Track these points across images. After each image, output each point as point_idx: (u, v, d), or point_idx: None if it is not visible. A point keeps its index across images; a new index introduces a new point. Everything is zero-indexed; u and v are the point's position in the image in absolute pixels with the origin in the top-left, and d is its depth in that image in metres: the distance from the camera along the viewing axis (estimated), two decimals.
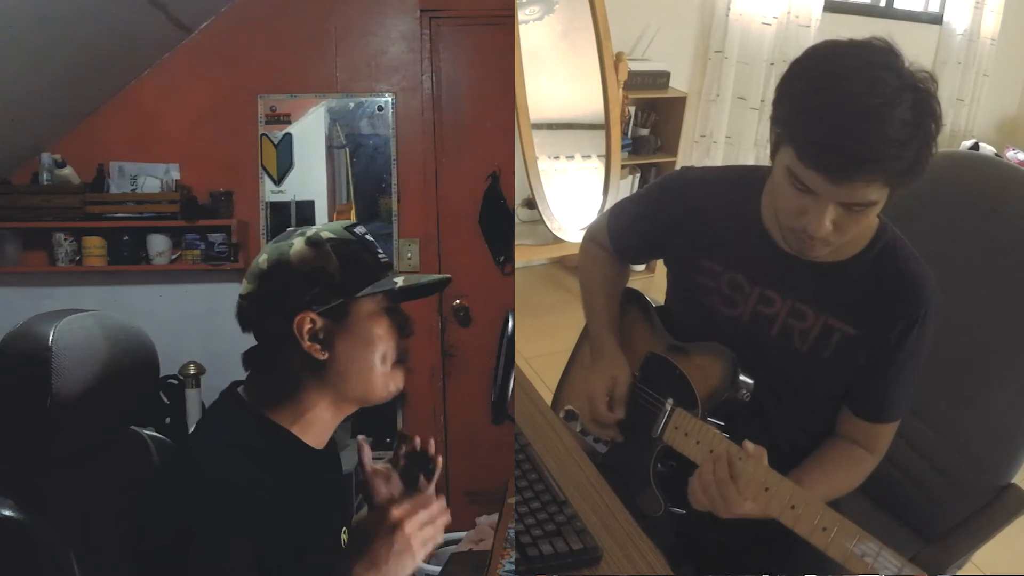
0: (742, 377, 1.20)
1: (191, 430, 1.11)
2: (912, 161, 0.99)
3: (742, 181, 1.25)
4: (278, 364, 1.00)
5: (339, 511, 1.13)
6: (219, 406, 1.03)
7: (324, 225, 1.04)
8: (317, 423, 1.02)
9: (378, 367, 1.01)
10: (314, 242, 1.00)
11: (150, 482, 0.97)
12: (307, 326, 0.97)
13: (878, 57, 1.01)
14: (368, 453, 1.12)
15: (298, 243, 1.00)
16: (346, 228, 1.03)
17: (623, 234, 1.43)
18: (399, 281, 1.03)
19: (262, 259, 1.01)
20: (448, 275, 1.13)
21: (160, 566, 0.87)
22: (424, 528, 0.97)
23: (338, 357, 0.99)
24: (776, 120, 1.07)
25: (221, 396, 1.04)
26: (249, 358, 1.04)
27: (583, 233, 1.54)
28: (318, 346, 0.98)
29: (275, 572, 0.89)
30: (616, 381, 1.31)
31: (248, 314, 1.02)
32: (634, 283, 1.50)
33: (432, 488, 1.08)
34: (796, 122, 1.03)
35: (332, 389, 1.01)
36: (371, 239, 1.05)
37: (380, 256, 1.04)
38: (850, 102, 0.98)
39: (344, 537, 1.10)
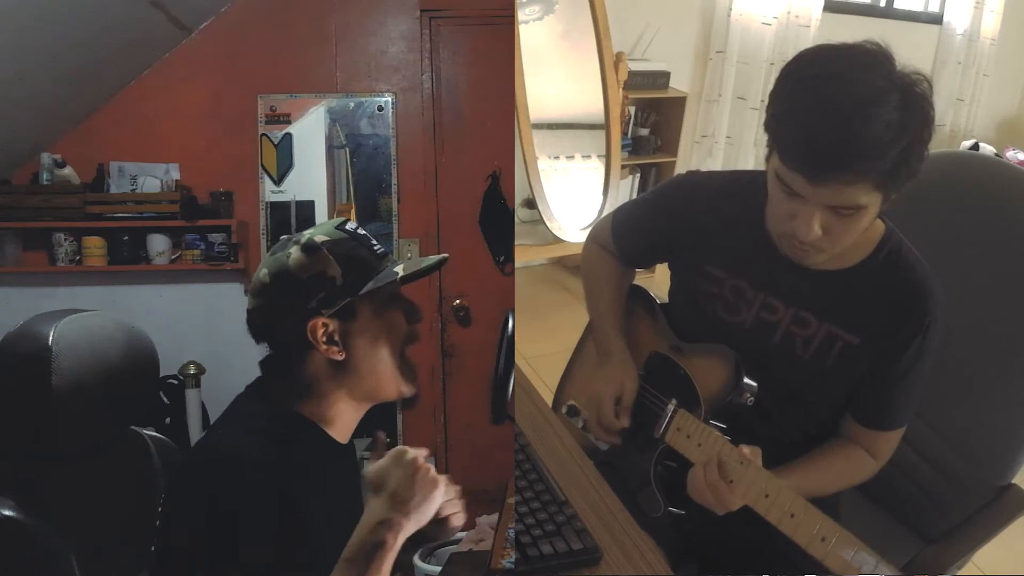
0: (746, 380, 1.19)
1: (193, 430, 1.12)
2: (897, 163, 0.97)
3: (747, 187, 1.23)
4: (297, 369, 1.02)
5: (358, 503, 1.13)
6: (241, 399, 1.04)
7: (316, 228, 1.05)
8: (340, 418, 1.05)
9: (389, 361, 1.04)
10: (310, 248, 1.01)
11: (176, 471, 0.98)
12: (320, 330, 0.99)
13: (865, 58, 1.00)
14: None
15: (295, 252, 1.01)
16: (337, 227, 1.05)
17: (627, 238, 1.43)
18: (399, 271, 1.04)
19: (263, 273, 1.03)
20: (446, 254, 1.14)
21: (187, 554, 0.88)
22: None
23: (354, 354, 1.01)
24: (765, 124, 1.07)
25: (244, 392, 1.05)
26: (268, 365, 1.05)
27: (585, 236, 1.53)
28: (335, 347, 1.00)
29: (300, 547, 0.90)
30: (624, 388, 1.30)
31: (259, 327, 1.03)
32: (635, 282, 1.49)
33: None
34: (778, 124, 1.03)
35: (350, 385, 1.03)
36: (364, 233, 1.06)
37: (376, 248, 1.05)
38: (829, 102, 0.97)
39: None
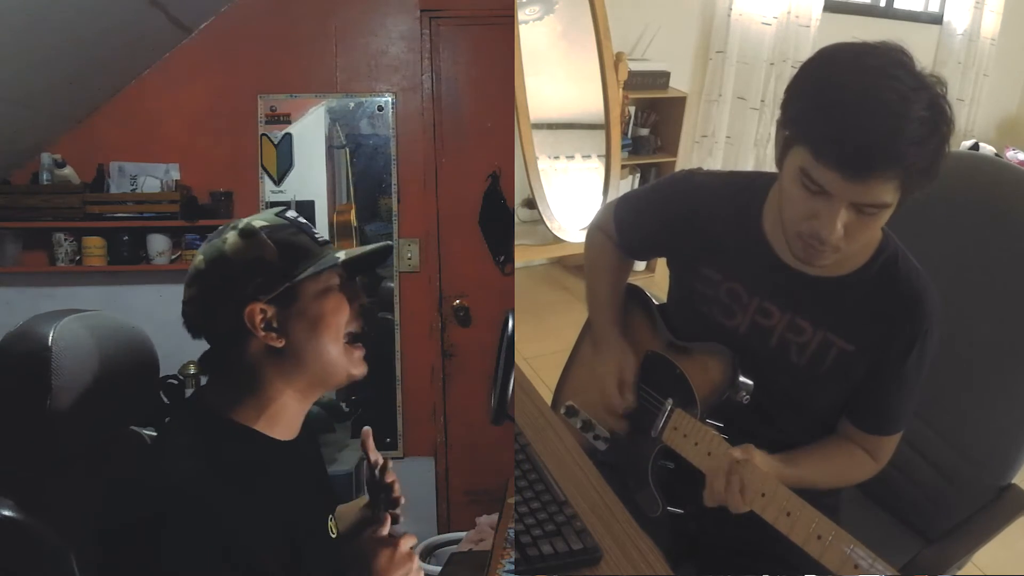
0: (741, 378, 1.19)
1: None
2: (929, 161, 0.98)
3: (746, 189, 1.23)
4: (235, 361, 0.99)
5: (320, 499, 1.12)
6: (180, 412, 1.02)
7: (256, 215, 1.03)
8: (284, 414, 1.01)
9: (332, 345, 1.01)
10: (247, 232, 0.99)
11: (113, 484, 0.95)
12: (258, 316, 0.96)
13: (893, 57, 1.00)
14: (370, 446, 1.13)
15: (231, 236, 0.99)
16: (277, 214, 1.03)
17: (629, 228, 1.42)
18: (341, 256, 1.02)
19: (198, 260, 1.01)
20: (390, 243, 1.11)
21: (125, 564, 0.87)
22: None
23: (294, 341, 0.98)
24: (787, 121, 1.04)
25: (184, 402, 1.04)
26: (206, 362, 1.03)
27: (588, 225, 1.53)
28: (273, 334, 0.97)
29: (250, 568, 0.88)
30: (623, 369, 1.31)
31: (195, 318, 1.01)
32: (634, 281, 1.49)
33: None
34: (812, 120, 1.01)
35: (293, 375, 1.00)
36: (304, 221, 1.04)
37: (316, 236, 1.03)
38: (868, 99, 0.96)
39: (331, 524, 1.10)
